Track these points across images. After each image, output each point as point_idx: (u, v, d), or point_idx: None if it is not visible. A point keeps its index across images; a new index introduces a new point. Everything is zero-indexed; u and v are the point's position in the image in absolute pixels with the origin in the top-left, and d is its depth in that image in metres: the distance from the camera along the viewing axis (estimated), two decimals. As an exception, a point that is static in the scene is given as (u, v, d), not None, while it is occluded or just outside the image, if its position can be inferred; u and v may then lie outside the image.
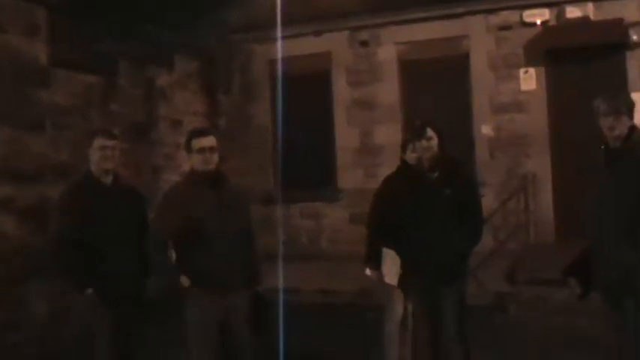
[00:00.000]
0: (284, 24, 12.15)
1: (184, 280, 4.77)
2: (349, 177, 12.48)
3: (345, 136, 12.65)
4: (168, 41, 10.87)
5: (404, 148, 6.05)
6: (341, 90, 12.78)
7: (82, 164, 5.15)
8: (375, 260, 5.98)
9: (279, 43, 12.01)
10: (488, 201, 9.28)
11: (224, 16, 12.54)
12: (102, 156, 4.91)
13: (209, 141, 4.99)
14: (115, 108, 9.60)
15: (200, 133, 5.11)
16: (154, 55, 10.58)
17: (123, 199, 5.03)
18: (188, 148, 5.03)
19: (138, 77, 10.19)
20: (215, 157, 4.99)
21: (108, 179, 4.99)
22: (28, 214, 7.05)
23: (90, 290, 4.73)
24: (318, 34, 12.82)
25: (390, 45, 12.45)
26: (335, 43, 12.80)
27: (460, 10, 11.81)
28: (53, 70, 8.07)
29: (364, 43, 12.61)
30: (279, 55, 12.09)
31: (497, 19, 11.71)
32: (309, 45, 12.77)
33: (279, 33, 11.82)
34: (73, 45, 8.57)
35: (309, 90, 12.83)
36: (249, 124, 13.26)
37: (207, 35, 11.98)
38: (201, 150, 4.93)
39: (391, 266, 5.73)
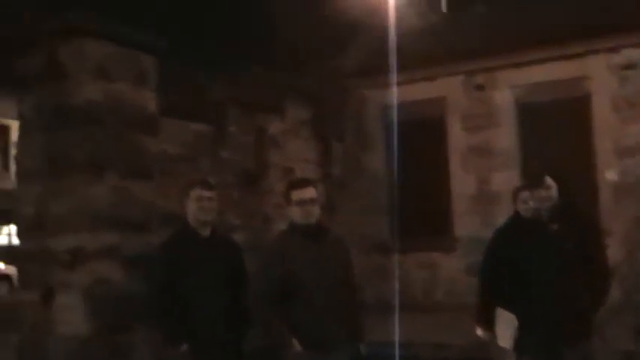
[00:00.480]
0: (398, 69, 12.01)
1: (296, 345, 4.51)
2: (465, 225, 12.02)
3: (461, 183, 12.24)
4: (280, 87, 10.81)
5: (515, 197, 5.65)
6: (456, 136, 12.42)
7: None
8: (487, 321, 5.56)
9: (394, 89, 11.86)
10: (614, 250, 8.65)
11: (336, 62, 12.46)
12: (199, 207, 4.75)
13: (309, 192, 4.74)
14: (225, 155, 9.54)
15: (300, 184, 4.89)
16: (265, 102, 10.50)
17: (220, 251, 4.83)
18: (287, 200, 4.80)
19: (248, 124, 10.11)
20: (316, 210, 4.75)
21: (206, 231, 4.82)
22: (133, 263, 6.94)
23: (185, 346, 4.53)
24: (432, 78, 12.54)
25: (507, 88, 12.04)
26: (449, 87, 12.49)
27: (580, 49, 11.30)
28: (162, 119, 8.03)
29: (480, 87, 12.26)
30: (395, 101, 11.93)
31: (619, 57, 11.11)
32: (423, 90, 12.51)
33: (394, 78, 11.71)
34: (182, 93, 8.57)
35: (423, 136, 12.56)
36: (362, 171, 13.04)
37: (319, 81, 11.90)
38: (301, 202, 4.69)
39: (505, 328, 5.28)
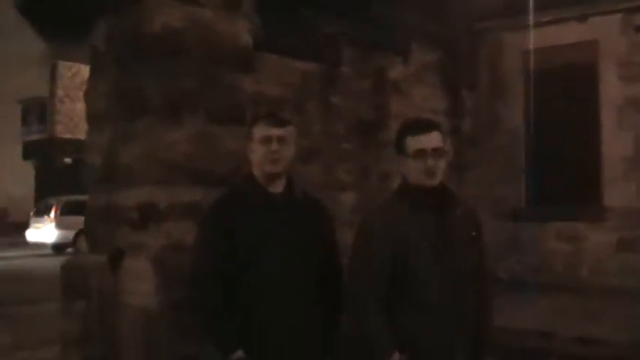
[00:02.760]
0: (541, 8, 10.35)
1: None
2: (618, 193, 10.23)
3: (615, 143, 10.39)
4: (405, 27, 9.33)
5: None
6: (611, 86, 10.52)
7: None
8: None
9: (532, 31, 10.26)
10: None
11: (467, 1, 10.84)
12: (265, 153, 3.36)
13: (434, 140, 3.30)
14: (336, 101, 8.15)
15: (420, 126, 3.39)
16: (387, 42, 9.04)
17: (298, 218, 3.42)
18: (400, 149, 3.38)
19: (366, 66, 8.67)
20: (441, 165, 3.31)
21: (277, 187, 3.44)
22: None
23: (240, 353, 3.24)
24: (582, 18, 10.69)
25: (676, 29, 10.10)
26: (603, 29, 10.57)
27: None
28: (259, 54, 6.75)
29: (640, 29, 10.32)
30: (531, 45, 10.35)
31: None
32: (571, 32, 10.68)
33: (533, 18, 10.16)
34: (285, 23, 7.24)
35: (570, 87, 10.82)
36: (498, 126, 11.38)
37: (449, 22, 10.35)
38: (420, 154, 3.27)
39: None
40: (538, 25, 10.46)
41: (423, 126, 3.39)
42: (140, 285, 5.63)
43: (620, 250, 9.87)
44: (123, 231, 5.87)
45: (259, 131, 3.41)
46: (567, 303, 8.61)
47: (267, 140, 3.36)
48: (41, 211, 24.26)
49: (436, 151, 3.27)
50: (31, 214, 24.97)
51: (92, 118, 6.35)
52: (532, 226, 10.54)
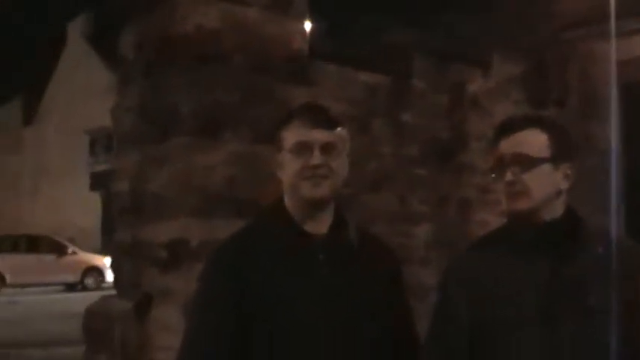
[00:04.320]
0: (637, 13, 9.13)
1: None
2: None
3: None
4: (485, 35, 8.23)
5: None
6: None
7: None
8: None
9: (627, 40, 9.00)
10: None
11: (555, 7, 9.70)
12: (304, 168, 2.18)
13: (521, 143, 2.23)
14: (407, 119, 7.08)
15: (512, 126, 2.27)
16: (464, 53, 7.94)
17: (351, 273, 2.22)
18: (496, 166, 2.28)
19: (441, 80, 7.56)
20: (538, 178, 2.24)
21: (319, 223, 2.23)
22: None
23: None
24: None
25: None
26: None
27: None
28: (317, 64, 5.76)
29: None
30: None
31: None
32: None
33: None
34: (348, 29, 6.24)
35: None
36: (588, 146, 10.11)
37: (535, 30, 9.20)
38: (501, 161, 2.27)
39: None
40: (636, 32, 9.22)
41: (516, 125, 2.27)
42: (169, 339, 4.61)
43: None
44: (150, 272, 4.89)
45: (293, 134, 2.21)
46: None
47: (305, 148, 2.18)
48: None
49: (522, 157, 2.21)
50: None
51: (119, 138, 5.42)
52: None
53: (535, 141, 2.21)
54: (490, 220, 7.83)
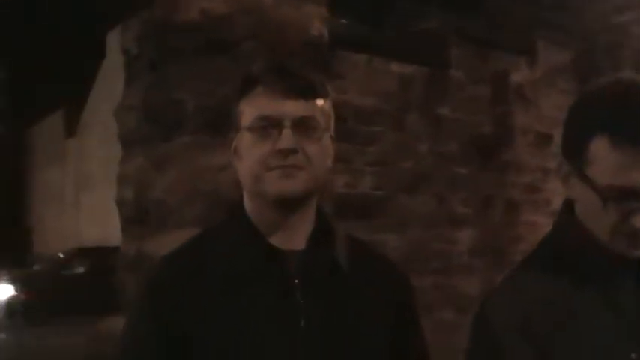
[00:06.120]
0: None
1: None
2: None
3: None
4: (529, 21, 7.61)
5: None
6: None
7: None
8: None
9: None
10: None
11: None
12: (270, 154, 1.52)
13: None
14: (446, 113, 6.49)
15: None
16: (507, 40, 7.32)
17: (338, 305, 1.56)
18: (574, 155, 1.54)
19: (482, 70, 6.96)
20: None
21: (294, 235, 1.58)
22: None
23: None
24: None
25: None
26: None
27: None
28: (343, 55, 5.21)
29: None
30: None
31: None
32: None
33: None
34: (376, 16, 5.68)
35: None
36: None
37: (583, 15, 8.56)
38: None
39: None
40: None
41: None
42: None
43: None
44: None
45: (254, 106, 1.58)
46: None
47: (270, 126, 1.55)
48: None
49: None
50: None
51: (124, 141, 4.92)
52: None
53: None
54: (539, 221, 7.23)
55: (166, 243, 4.10)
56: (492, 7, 7.27)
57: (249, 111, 1.56)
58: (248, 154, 1.55)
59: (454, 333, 4.85)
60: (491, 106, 7.06)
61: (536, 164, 7.38)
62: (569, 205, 1.55)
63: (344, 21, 5.37)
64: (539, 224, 6.86)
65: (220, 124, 4.30)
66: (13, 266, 22.87)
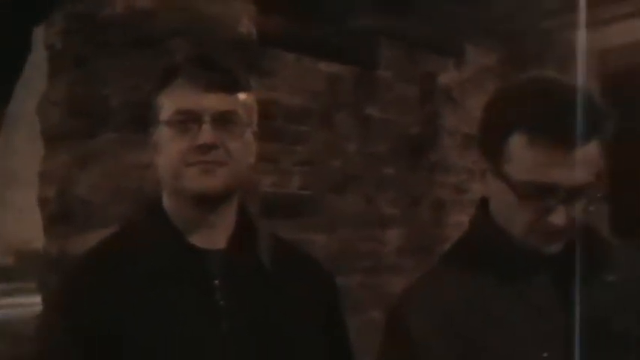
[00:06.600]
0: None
1: None
2: None
3: None
4: (457, 22, 7.70)
5: None
6: None
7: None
8: None
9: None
10: None
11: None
12: (189, 150, 1.58)
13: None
14: (374, 112, 6.51)
15: None
16: (435, 40, 7.40)
17: (261, 308, 1.58)
18: (496, 153, 1.57)
19: (410, 70, 7.00)
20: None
21: (214, 234, 1.63)
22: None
23: None
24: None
25: None
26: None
27: None
28: (272, 53, 5.20)
29: None
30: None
31: None
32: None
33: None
34: (304, 13, 5.68)
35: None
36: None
37: (511, 18, 8.71)
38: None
39: None
40: (618, 19, 8.76)
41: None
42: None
43: None
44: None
45: (173, 99, 1.61)
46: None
47: (190, 120, 1.58)
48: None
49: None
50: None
51: (46, 136, 4.81)
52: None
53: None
54: (466, 221, 7.33)
55: (91, 242, 4.02)
56: (422, 8, 7.33)
57: (168, 104, 1.56)
58: (167, 149, 1.55)
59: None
60: (420, 107, 7.12)
61: (463, 165, 7.48)
62: (484, 203, 1.57)
63: (272, 18, 5.33)
64: (466, 224, 6.96)
65: (145, 121, 4.24)
66: None
